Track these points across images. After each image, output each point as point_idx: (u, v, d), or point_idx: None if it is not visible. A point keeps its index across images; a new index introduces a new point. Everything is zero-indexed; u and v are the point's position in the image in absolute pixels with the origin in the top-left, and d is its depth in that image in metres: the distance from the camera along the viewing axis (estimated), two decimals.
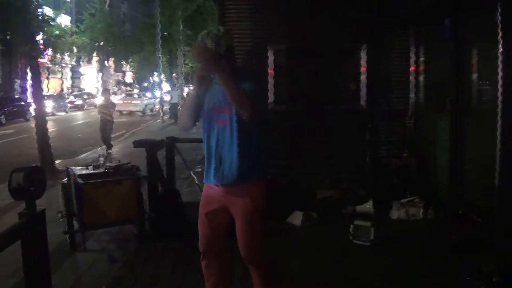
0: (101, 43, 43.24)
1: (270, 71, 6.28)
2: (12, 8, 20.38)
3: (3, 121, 22.54)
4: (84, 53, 44.27)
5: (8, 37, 24.19)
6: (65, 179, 5.59)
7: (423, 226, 5.31)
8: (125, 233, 5.56)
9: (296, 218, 5.46)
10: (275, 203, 5.22)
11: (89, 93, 42.77)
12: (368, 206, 5.62)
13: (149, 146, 5.54)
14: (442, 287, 3.81)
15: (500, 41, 4.11)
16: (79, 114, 32.92)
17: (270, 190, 3.08)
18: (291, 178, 5.91)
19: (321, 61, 6.33)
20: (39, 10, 28.53)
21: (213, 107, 2.92)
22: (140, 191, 5.23)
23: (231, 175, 2.90)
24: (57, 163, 10.48)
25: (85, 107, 36.37)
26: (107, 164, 5.24)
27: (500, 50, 4.16)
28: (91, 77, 51.99)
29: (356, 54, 6.36)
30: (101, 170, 5.14)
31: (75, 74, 48.80)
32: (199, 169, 7.87)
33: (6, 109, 23.23)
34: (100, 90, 48.70)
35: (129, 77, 63.95)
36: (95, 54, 46.27)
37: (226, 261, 3.22)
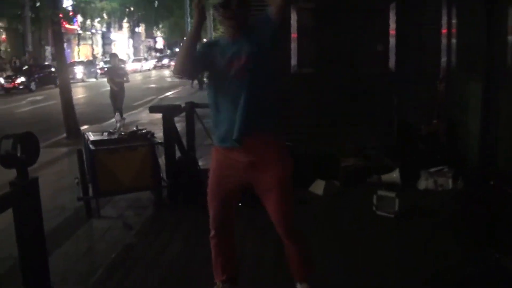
0: (131, 8, 43.16)
1: (294, 34, 5.96)
2: None
3: (33, 87, 22.85)
4: (114, 19, 44.26)
5: (38, 3, 24.23)
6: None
7: (452, 198, 4.98)
8: (142, 200, 5.48)
9: (318, 187, 5.20)
10: (297, 171, 5.04)
11: (120, 59, 42.88)
12: (395, 175, 5.33)
13: (166, 112, 5.34)
14: (469, 264, 3.53)
15: None
16: None
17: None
18: (314, 145, 5.65)
19: (347, 21, 5.96)
20: None
21: (223, 64, 2.67)
22: (156, 157, 5.09)
23: (251, 126, 2.62)
24: (83, 129, 10.50)
25: None
26: (122, 130, 5.10)
27: None
28: (122, 43, 52.21)
29: (385, 13, 5.95)
30: (115, 136, 5.00)
31: (106, 41, 49.05)
32: None
33: (36, 75, 23.46)
34: (131, 55, 49.03)
35: (160, 43, 63.95)
36: (125, 20, 46.28)
37: (234, 237, 3.05)
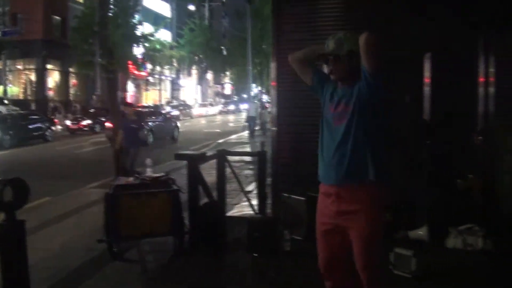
0: (200, 56, 44.95)
1: None
2: (113, 24, 21.85)
3: (97, 129, 23.97)
4: (183, 66, 46.18)
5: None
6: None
7: (480, 258, 4.66)
8: (167, 245, 5.53)
9: None
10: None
11: (186, 104, 44.42)
12: (421, 232, 5.07)
13: (190, 159, 5.45)
14: None
15: None
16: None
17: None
18: None
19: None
20: (138, 26, 30.46)
21: (333, 105, 2.90)
22: (178, 203, 5.15)
23: (343, 174, 2.78)
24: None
25: (180, 117, 37.77)
26: (146, 175, 5.24)
27: None
28: (190, 89, 54.17)
29: (419, 63, 5.83)
30: (137, 181, 5.14)
31: (175, 86, 51.14)
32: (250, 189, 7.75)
33: (102, 118, 24.70)
34: (199, 100, 50.71)
35: (228, 89, 65.77)
36: (194, 67, 48.16)
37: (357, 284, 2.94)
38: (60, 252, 5.70)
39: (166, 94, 48.85)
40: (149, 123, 19.73)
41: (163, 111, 29.25)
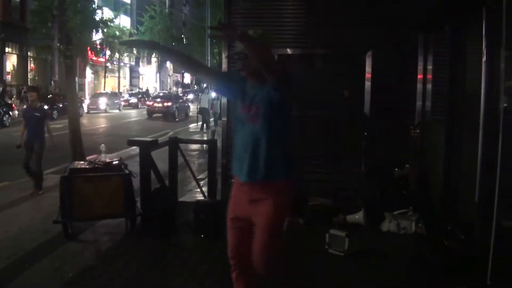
0: (160, 43, 44.52)
1: None
2: (71, 9, 21.41)
3: (55, 115, 23.65)
4: (143, 54, 45.65)
5: None
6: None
7: (412, 241, 5.10)
8: (120, 227, 5.73)
9: None
10: None
11: (144, 92, 43.99)
12: (358, 216, 5.48)
13: (142, 146, 5.67)
14: None
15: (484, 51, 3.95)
16: (132, 112, 34.02)
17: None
18: None
19: (324, 66, 6.26)
20: (97, 11, 29.85)
21: (246, 105, 2.96)
22: (129, 187, 5.37)
23: (258, 172, 2.89)
24: (89, 158, 10.87)
25: (139, 105, 37.48)
26: (99, 160, 5.44)
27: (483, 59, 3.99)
28: (150, 77, 53.60)
29: (362, 59, 6.23)
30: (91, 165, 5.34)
31: (134, 74, 50.52)
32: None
33: (59, 104, 24.36)
34: (158, 89, 50.18)
35: (187, 78, 65.30)
36: (154, 55, 47.64)
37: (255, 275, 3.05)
38: (17, 233, 5.83)
39: (125, 82, 48.22)
40: (176, 104, 28.63)
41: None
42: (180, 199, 6.84)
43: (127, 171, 5.37)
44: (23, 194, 7.92)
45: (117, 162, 5.48)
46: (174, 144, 6.51)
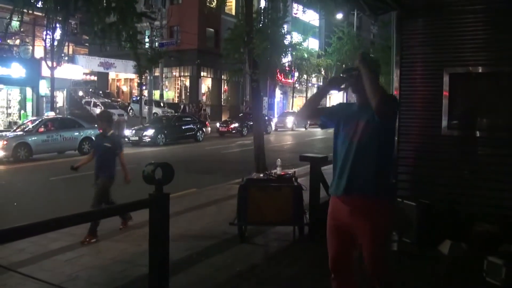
0: (348, 64, 45.20)
1: (445, 93, 6.11)
2: (258, 37, 23.28)
3: (245, 132, 25.81)
4: (330, 74, 46.82)
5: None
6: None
7: None
8: (289, 235, 6.23)
9: (445, 247, 5.28)
10: (432, 228, 5.24)
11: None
12: None
13: (313, 161, 6.14)
14: None
15: None
16: (318, 130, 34.96)
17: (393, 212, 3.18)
18: (452, 206, 5.66)
19: (498, 85, 5.92)
20: (286, 36, 31.82)
21: (349, 125, 3.15)
22: (298, 198, 5.82)
23: (358, 188, 3.04)
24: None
25: None
26: (274, 172, 6.06)
27: None
28: (338, 96, 54.53)
29: None
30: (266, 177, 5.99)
31: None
32: None
33: (249, 122, 26.46)
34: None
35: None
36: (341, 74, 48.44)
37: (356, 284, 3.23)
38: (199, 232, 6.75)
39: None
40: None
41: None
42: None
43: (296, 184, 5.84)
44: (209, 200, 9.00)
45: (289, 175, 6.02)
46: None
